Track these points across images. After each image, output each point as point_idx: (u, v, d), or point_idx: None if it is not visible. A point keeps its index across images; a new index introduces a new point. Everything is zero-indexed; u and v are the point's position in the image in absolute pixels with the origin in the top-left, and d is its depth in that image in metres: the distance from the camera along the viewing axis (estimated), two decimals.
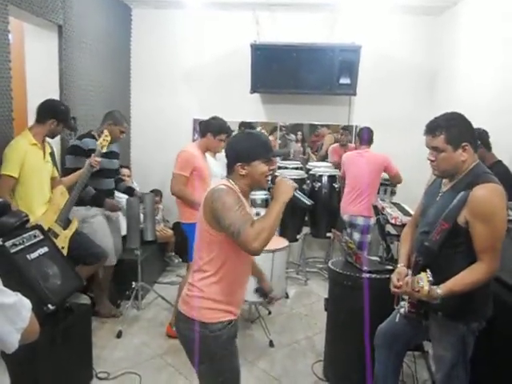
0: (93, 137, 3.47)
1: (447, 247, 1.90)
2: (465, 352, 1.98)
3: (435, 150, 1.93)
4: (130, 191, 3.85)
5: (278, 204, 1.75)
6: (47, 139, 3.09)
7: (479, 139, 2.84)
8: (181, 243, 4.57)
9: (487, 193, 1.83)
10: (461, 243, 1.89)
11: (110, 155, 3.48)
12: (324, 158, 5.53)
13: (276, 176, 1.87)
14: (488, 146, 2.97)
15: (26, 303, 1.24)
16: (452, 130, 1.89)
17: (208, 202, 1.76)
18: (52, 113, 2.97)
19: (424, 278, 1.82)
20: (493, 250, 1.83)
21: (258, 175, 1.85)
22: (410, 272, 2.03)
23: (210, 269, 1.83)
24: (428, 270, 1.84)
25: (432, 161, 1.96)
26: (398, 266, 2.14)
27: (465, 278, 1.84)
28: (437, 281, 1.83)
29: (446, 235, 1.87)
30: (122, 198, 4.07)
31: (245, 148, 1.85)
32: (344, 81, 4.60)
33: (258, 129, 5.96)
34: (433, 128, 1.93)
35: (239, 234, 1.66)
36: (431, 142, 1.94)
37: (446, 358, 2.00)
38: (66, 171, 3.34)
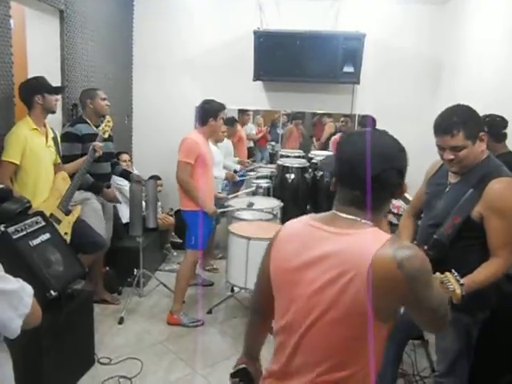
0: (84, 121, 3.45)
1: (459, 241, 1.87)
2: (469, 343, 1.98)
3: (454, 149, 1.83)
4: (125, 174, 3.84)
5: None
6: (48, 125, 3.08)
7: (488, 127, 2.82)
8: (181, 229, 4.53)
9: (504, 187, 1.79)
10: (473, 238, 1.86)
11: (104, 138, 3.42)
12: (325, 147, 5.53)
13: None
14: (499, 136, 2.89)
15: (28, 289, 1.26)
16: (468, 124, 1.81)
17: (399, 280, 1.02)
18: (30, 92, 2.91)
19: (452, 280, 1.68)
20: (509, 245, 1.79)
21: None
22: None
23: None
24: (454, 271, 1.72)
25: (451, 160, 1.87)
26: None
27: (482, 275, 1.80)
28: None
29: (458, 229, 1.85)
30: (124, 185, 4.07)
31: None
32: (347, 69, 4.56)
33: (258, 117, 5.98)
34: (449, 127, 1.82)
35: (447, 313, 1.19)
36: (450, 141, 1.83)
37: (451, 350, 1.99)
38: (63, 159, 3.29)
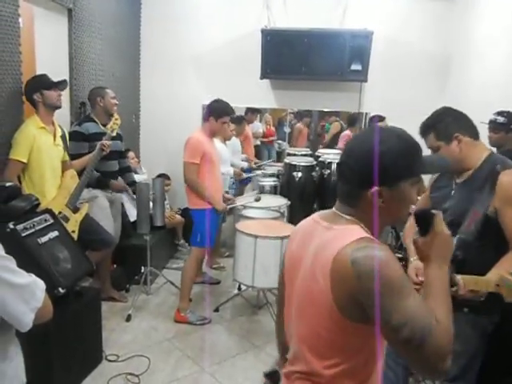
0: (92, 120, 3.47)
1: (476, 240, 1.83)
2: (484, 346, 1.95)
3: (432, 150, 1.94)
4: (133, 184, 3.83)
5: (443, 272, 1.09)
6: (57, 123, 3.09)
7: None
8: (189, 228, 4.54)
9: None
10: (489, 233, 1.83)
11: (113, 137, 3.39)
12: (329, 145, 5.53)
13: (428, 212, 1.15)
14: None
15: (40, 284, 1.28)
16: (438, 125, 1.90)
17: (350, 277, 1.01)
18: (29, 91, 2.92)
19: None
20: None
21: (402, 206, 1.15)
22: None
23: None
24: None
25: None
26: (411, 259, 2.08)
27: (506, 268, 1.73)
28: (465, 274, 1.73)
29: (480, 224, 1.82)
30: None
31: (393, 160, 1.09)
32: (355, 67, 4.54)
33: (266, 115, 5.96)
34: (423, 130, 1.96)
35: (424, 342, 0.96)
36: (426, 143, 1.95)
37: (466, 352, 1.95)
38: (70, 158, 3.29)
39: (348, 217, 1.13)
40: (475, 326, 1.94)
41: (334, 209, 1.20)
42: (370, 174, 1.07)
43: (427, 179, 2.28)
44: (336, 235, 1.10)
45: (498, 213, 1.81)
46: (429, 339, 0.96)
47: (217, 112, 3.41)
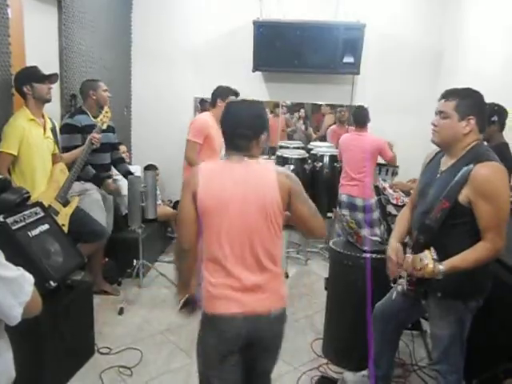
0: (84, 112, 3.44)
1: (449, 226, 1.89)
2: (462, 330, 2.01)
3: (441, 114, 1.94)
4: (128, 174, 3.80)
5: None
6: (47, 115, 3.06)
7: (498, 116, 2.84)
8: None
9: (490, 171, 1.82)
10: (462, 222, 1.88)
11: (104, 129, 3.36)
12: (323, 138, 5.50)
13: None
14: (504, 126, 2.94)
15: (29, 278, 1.27)
16: (465, 100, 1.91)
17: (285, 183, 1.72)
18: (19, 83, 2.88)
19: (428, 256, 1.79)
20: (497, 228, 1.82)
21: None
22: (408, 250, 2.04)
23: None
24: (432, 248, 1.82)
25: (434, 126, 1.98)
26: (390, 239, 2.15)
27: (468, 256, 1.83)
28: (439, 260, 1.82)
29: (447, 214, 1.86)
30: (120, 179, 4.03)
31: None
32: (348, 60, 4.54)
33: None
34: (449, 93, 1.96)
35: (319, 217, 1.91)
36: (441, 105, 1.96)
37: (444, 337, 2.03)
38: (63, 151, 3.28)
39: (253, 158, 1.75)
40: (450, 311, 1.99)
41: (231, 155, 1.74)
42: (261, 128, 1.76)
43: (421, 162, 2.29)
44: (263, 166, 1.76)
45: (471, 203, 1.84)
46: (321, 219, 1.97)
47: (223, 94, 3.56)
